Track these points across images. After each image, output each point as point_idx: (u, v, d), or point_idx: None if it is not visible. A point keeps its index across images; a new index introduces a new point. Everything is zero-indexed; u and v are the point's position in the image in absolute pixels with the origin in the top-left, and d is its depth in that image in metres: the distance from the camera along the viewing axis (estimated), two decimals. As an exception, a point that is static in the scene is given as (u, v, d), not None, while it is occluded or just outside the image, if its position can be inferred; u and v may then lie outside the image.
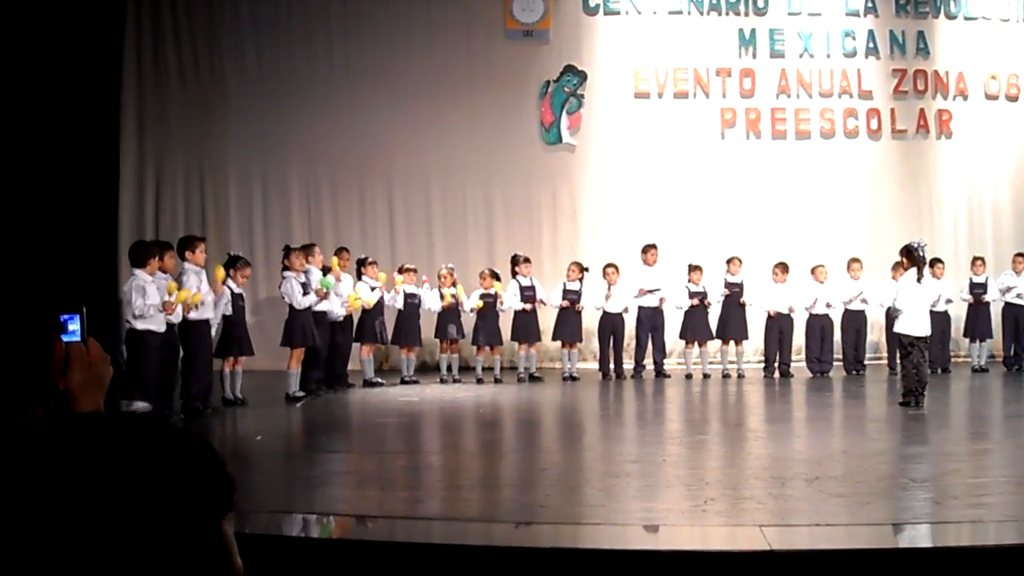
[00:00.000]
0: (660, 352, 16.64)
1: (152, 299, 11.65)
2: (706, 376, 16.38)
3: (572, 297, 16.24)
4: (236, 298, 13.39)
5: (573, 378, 16.13)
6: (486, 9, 18.39)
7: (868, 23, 18.80)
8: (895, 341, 14.36)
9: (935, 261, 16.19)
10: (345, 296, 14.90)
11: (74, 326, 1.94)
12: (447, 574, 5.98)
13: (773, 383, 16.05)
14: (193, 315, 12.43)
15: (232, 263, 13.59)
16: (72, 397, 1.88)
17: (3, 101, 14.38)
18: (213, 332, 13.11)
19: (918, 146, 18.88)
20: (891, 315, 14.48)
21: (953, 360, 17.27)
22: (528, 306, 16.11)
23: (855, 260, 16.81)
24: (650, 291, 16.32)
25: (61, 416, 1.35)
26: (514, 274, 16.27)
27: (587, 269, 16.34)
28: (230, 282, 13.37)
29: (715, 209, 18.14)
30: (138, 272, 11.84)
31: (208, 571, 1.24)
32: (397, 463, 9.89)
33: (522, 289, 16.16)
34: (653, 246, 16.62)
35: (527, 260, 16.34)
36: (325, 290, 14.17)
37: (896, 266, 14.66)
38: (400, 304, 15.76)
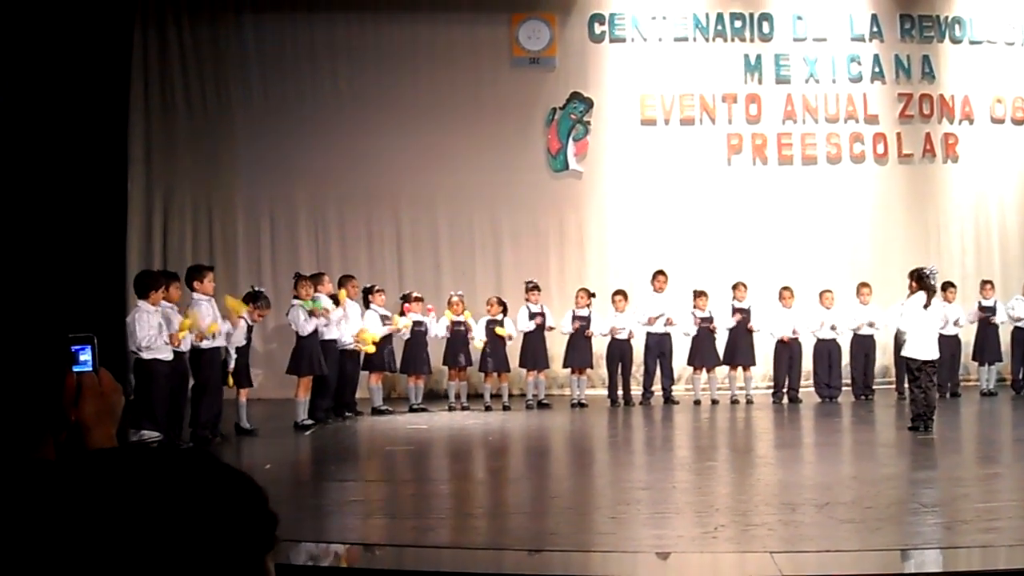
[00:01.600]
0: (668, 378, 16.63)
1: (154, 330, 11.68)
2: (715, 402, 16.35)
3: (582, 324, 16.26)
4: (247, 330, 13.44)
5: (582, 405, 16.12)
6: (492, 37, 18.45)
7: (873, 48, 18.84)
8: (903, 366, 14.34)
9: (947, 285, 16.21)
10: (351, 326, 14.88)
11: (85, 356, 1.95)
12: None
13: (782, 409, 16.02)
14: (205, 343, 12.47)
15: (255, 298, 13.65)
16: (85, 428, 1.89)
17: (11, 131, 14.44)
18: (232, 365, 13.13)
19: (924, 170, 18.88)
20: (899, 339, 14.47)
21: (962, 384, 17.24)
22: (537, 321, 16.12)
23: (864, 284, 16.80)
24: (656, 317, 16.33)
25: (108, 450, 1.37)
26: (525, 300, 16.30)
27: (593, 295, 16.36)
28: (245, 313, 13.43)
29: (722, 235, 18.14)
30: (141, 304, 11.88)
31: None
32: (406, 491, 9.89)
33: (531, 316, 16.17)
34: (662, 272, 16.63)
35: (536, 288, 16.37)
36: (314, 309, 14.04)
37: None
38: (407, 334, 15.80)
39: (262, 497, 1.30)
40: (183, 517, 1.21)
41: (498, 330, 15.99)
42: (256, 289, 14.04)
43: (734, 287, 16.71)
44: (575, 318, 16.31)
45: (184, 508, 1.21)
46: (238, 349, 13.29)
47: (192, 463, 1.28)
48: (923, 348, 12.76)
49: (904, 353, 13.18)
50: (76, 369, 1.93)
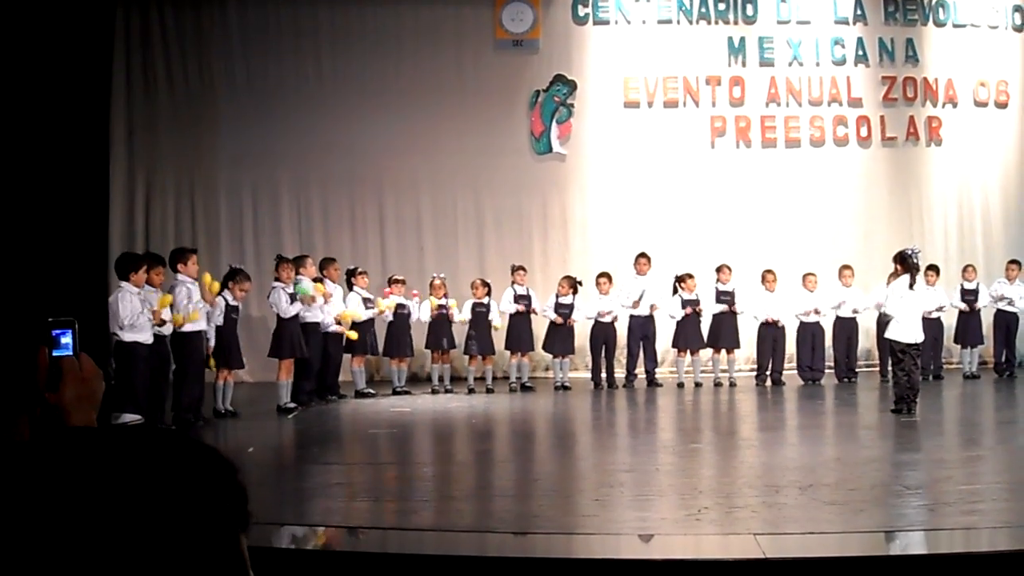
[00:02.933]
0: (652, 361, 16.62)
1: (136, 308, 11.64)
2: (698, 385, 16.36)
3: (564, 312, 16.23)
4: (230, 310, 13.38)
5: (565, 387, 16.11)
6: (476, 19, 18.39)
7: (857, 31, 18.84)
8: (887, 348, 14.38)
9: (930, 268, 16.24)
10: (334, 309, 14.84)
11: (66, 340, 1.94)
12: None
13: (765, 391, 16.05)
14: (187, 327, 12.45)
15: (232, 276, 13.59)
16: (65, 412, 1.88)
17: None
18: (211, 344, 13.11)
19: (908, 153, 18.90)
20: (882, 321, 14.50)
21: (945, 367, 17.29)
22: (521, 307, 16.11)
23: (846, 267, 16.84)
24: (638, 300, 16.31)
25: (81, 430, 1.37)
26: (512, 282, 16.30)
27: (580, 283, 16.33)
28: (226, 293, 13.37)
29: (706, 218, 18.14)
30: (124, 284, 11.84)
31: None
32: (389, 474, 9.88)
33: (517, 297, 16.17)
34: (644, 255, 16.63)
35: (522, 269, 16.36)
36: (302, 296, 14.05)
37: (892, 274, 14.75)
38: (390, 316, 15.75)
39: (234, 474, 1.29)
40: (153, 495, 1.20)
41: (495, 324, 16.02)
42: (233, 267, 13.97)
43: (718, 270, 16.72)
44: (558, 306, 16.28)
45: (154, 486, 1.21)
46: (219, 328, 13.25)
47: (163, 441, 1.27)
48: (907, 331, 12.76)
49: (888, 335, 13.19)
50: (56, 353, 1.92)
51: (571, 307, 16.28)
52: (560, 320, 16.23)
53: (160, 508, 1.19)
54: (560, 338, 16.32)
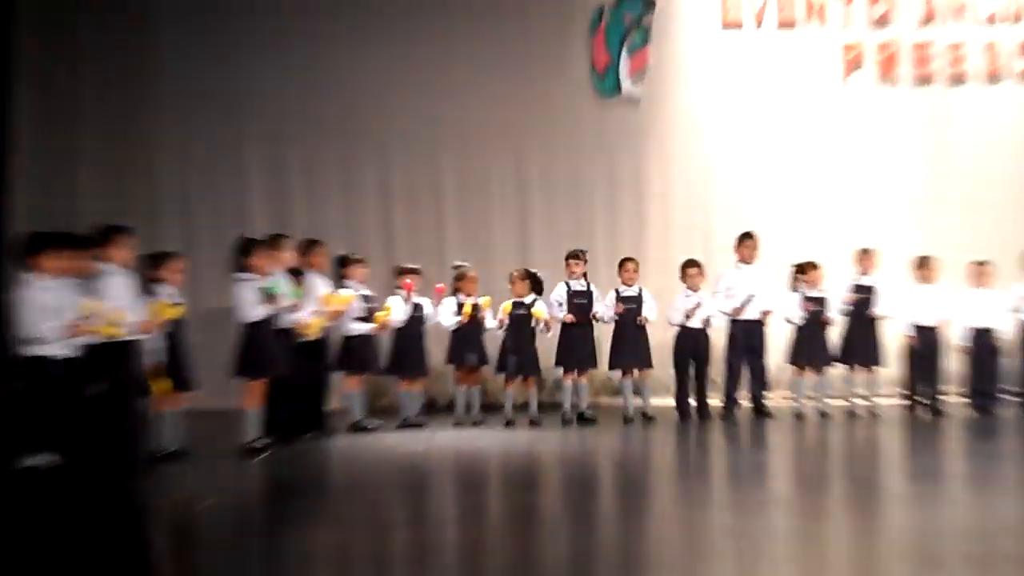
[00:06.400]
0: (759, 382, 16.54)
1: (46, 308, 11.51)
2: (824, 415, 16.29)
3: (630, 306, 16.05)
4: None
5: (647, 416, 16.01)
6: (516, -89, 18.41)
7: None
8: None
9: None
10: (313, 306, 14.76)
11: None
12: None
13: (918, 424, 15.93)
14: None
15: (156, 261, 13.50)
16: None
17: None
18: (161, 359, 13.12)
19: None
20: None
21: None
22: (571, 317, 15.94)
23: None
24: (742, 306, 16.20)
25: None
26: (570, 275, 16.13)
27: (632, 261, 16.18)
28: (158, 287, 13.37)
29: (836, 183, 18.05)
30: (31, 277, 11.68)
31: None
32: (397, 538, 9.83)
33: (571, 295, 16.00)
34: (750, 235, 16.52)
35: (576, 256, 16.13)
36: (271, 295, 13.95)
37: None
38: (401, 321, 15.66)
39: None
40: None
41: (535, 311, 15.83)
42: (155, 253, 13.87)
43: (856, 256, 16.55)
44: (619, 299, 16.12)
45: None
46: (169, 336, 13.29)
47: None
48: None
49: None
50: None
51: (639, 300, 16.09)
52: (622, 310, 16.00)
53: None
54: (629, 344, 16.13)
